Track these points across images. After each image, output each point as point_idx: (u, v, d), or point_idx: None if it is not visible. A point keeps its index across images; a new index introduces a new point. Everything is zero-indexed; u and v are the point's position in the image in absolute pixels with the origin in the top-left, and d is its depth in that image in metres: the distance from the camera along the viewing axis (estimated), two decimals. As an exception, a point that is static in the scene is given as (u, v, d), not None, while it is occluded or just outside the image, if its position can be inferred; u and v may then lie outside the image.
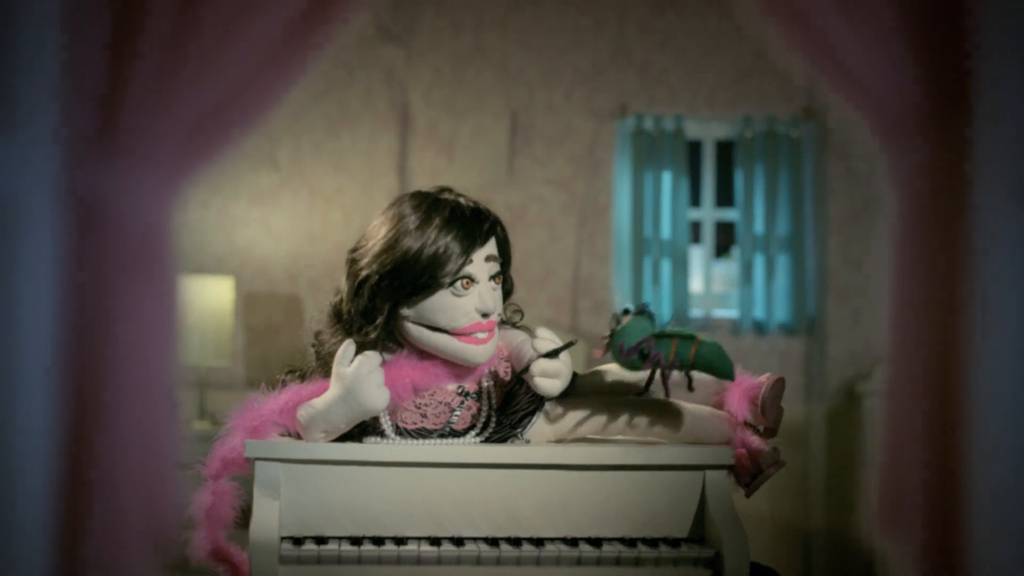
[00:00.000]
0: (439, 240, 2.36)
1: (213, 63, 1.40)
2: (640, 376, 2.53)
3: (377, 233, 2.42)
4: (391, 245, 2.37)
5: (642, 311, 2.44)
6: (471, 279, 2.39)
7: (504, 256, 2.49)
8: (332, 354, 2.41)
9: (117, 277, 1.39)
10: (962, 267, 1.42)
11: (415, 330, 2.41)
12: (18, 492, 1.33)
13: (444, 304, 2.38)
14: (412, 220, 2.38)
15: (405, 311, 2.40)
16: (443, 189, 2.50)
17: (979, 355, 1.40)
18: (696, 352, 2.40)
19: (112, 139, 1.39)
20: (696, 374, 2.52)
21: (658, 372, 2.44)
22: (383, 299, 2.39)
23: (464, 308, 2.39)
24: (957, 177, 1.43)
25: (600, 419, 2.49)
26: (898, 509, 1.48)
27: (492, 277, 2.43)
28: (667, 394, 2.46)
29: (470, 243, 2.38)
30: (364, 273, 2.39)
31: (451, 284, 2.38)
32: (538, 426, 2.48)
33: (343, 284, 2.47)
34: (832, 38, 1.47)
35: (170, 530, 1.45)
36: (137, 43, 1.38)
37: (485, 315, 2.41)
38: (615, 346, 2.41)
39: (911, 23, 1.47)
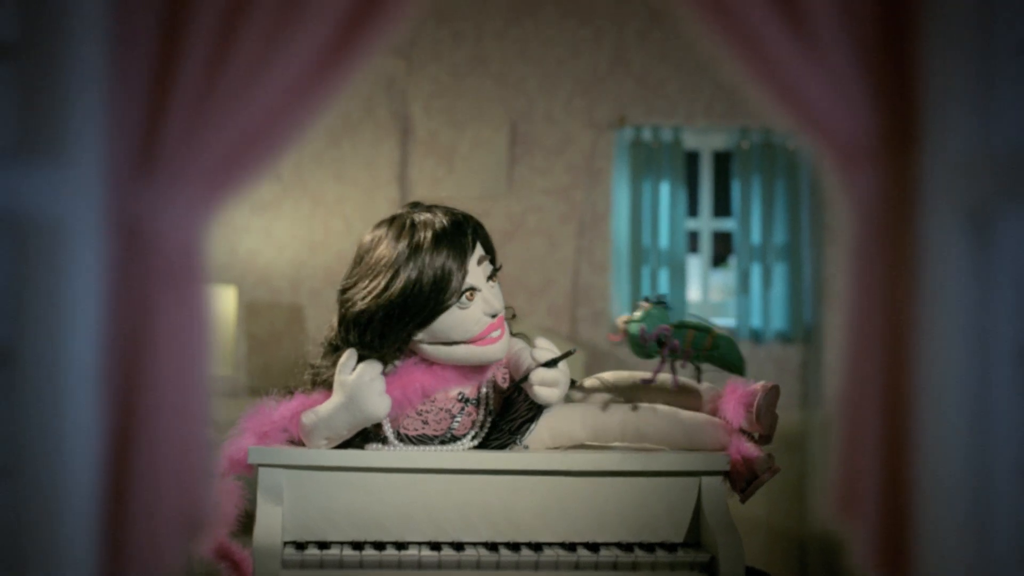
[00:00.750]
0: (433, 265, 2.36)
1: (246, 94, 1.46)
2: (640, 374, 2.60)
3: (369, 272, 2.40)
4: (387, 285, 2.36)
5: (660, 302, 2.50)
6: (473, 289, 2.41)
7: (490, 251, 2.50)
8: (330, 382, 2.43)
9: (156, 292, 1.46)
10: (913, 283, 1.50)
11: (431, 349, 2.43)
12: (68, 488, 1.41)
13: (454, 320, 2.40)
14: (401, 253, 2.37)
15: (417, 336, 2.42)
16: (413, 207, 2.49)
17: (927, 364, 1.48)
18: (711, 344, 2.46)
19: (152, 165, 1.46)
20: (691, 381, 2.59)
21: (669, 361, 2.48)
22: (394, 334, 2.39)
23: (474, 317, 2.41)
24: (908, 201, 1.50)
25: (598, 425, 2.53)
26: (853, 499, 1.56)
27: (489, 277, 2.45)
28: (675, 383, 2.50)
29: (462, 257, 2.39)
30: (366, 315, 2.38)
31: (457, 301, 2.39)
32: (537, 433, 2.51)
33: (335, 320, 2.46)
34: (787, 68, 1.54)
35: (202, 524, 1.52)
36: (176, 76, 1.45)
37: (493, 315, 2.44)
38: (635, 330, 2.47)
39: (863, 55, 1.53)
